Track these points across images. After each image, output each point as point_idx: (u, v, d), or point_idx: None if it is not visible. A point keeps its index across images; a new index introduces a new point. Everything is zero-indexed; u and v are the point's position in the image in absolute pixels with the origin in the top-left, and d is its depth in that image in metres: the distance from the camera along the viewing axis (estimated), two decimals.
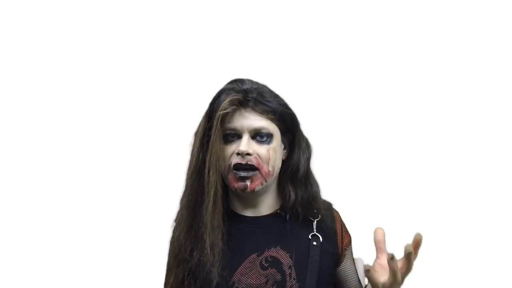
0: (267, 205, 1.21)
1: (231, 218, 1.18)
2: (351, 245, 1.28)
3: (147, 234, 1.79)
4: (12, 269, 1.92)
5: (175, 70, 2.00)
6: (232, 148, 1.13)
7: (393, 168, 1.94)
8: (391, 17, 2.00)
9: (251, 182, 1.13)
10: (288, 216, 1.20)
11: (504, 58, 1.96)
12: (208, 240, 1.10)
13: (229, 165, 1.13)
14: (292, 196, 1.19)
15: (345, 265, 1.25)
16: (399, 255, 1.00)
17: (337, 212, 1.29)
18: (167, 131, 1.90)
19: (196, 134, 1.17)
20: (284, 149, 1.21)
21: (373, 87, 1.99)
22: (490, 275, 1.87)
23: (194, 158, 1.14)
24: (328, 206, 1.28)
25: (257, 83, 1.18)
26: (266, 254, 1.15)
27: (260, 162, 1.13)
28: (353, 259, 1.29)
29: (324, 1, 2.02)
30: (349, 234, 1.28)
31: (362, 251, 1.29)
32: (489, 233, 1.90)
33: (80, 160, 1.98)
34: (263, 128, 1.13)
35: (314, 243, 1.17)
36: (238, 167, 1.12)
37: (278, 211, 1.21)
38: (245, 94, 1.13)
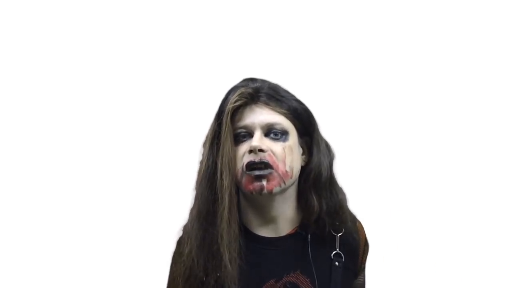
0: (286, 220, 1.09)
1: (245, 236, 1.06)
2: None
3: (151, 240, 1.79)
4: (12, 269, 1.91)
5: (184, 75, 1.95)
6: (244, 147, 1.03)
7: (397, 168, 1.91)
8: (398, 16, 1.97)
9: (267, 181, 1.02)
10: (309, 235, 1.09)
11: (504, 58, 1.95)
12: (226, 254, 1.00)
13: (242, 167, 1.03)
14: (316, 206, 1.06)
15: (359, 277, 1.19)
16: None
17: (360, 223, 1.18)
18: (172, 137, 1.87)
19: (205, 140, 1.09)
20: (303, 154, 1.10)
21: (378, 88, 1.95)
22: (492, 276, 1.85)
23: (204, 163, 1.05)
24: (353, 218, 1.16)
25: (269, 81, 1.11)
26: (284, 279, 1.06)
27: (275, 160, 1.02)
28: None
29: (332, 1, 1.99)
30: (369, 245, 1.19)
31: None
32: (495, 234, 1.87)
33: (87, 166, 1.95)
34: (276, 124, 1.04)
35: (336, 263, 1.08)
36: (252, 165, 1.02)
37: (298, 229, 1.10)
38: (256, 90, 1.05)
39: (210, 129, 1.08)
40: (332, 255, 1.09)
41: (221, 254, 1.00)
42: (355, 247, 1.13)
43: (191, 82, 1.95)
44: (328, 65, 1.95)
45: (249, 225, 1.09)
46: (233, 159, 1.03)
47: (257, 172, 1.01)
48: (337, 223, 1.10)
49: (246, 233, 1.07)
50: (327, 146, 1.14)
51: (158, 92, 1.97)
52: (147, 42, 1.98)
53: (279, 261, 1.07)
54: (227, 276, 1.00)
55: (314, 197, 1.07)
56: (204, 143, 1.09)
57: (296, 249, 1.08)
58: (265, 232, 1.09)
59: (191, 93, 1.92)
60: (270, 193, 1.03)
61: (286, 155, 1.03)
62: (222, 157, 1.02)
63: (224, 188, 1.01)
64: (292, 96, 1.10)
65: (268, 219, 1.08)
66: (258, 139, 1.01)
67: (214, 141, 1.04)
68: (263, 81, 1.09)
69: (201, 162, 1.07)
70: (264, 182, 1.02)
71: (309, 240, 1.08)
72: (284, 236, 1.09)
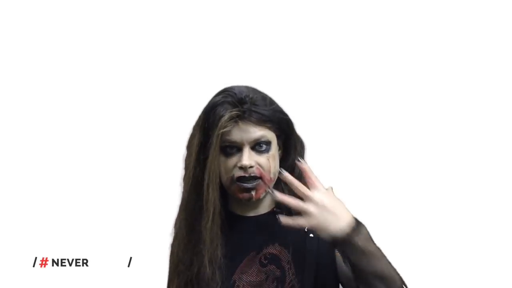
0: (265, 205, 1.22)
1: (229, 219, 1.20)
2: None
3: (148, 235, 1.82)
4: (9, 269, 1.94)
5: (168, 73, 1.97)
6: (233, 161, 1.14)
7: (386, 166, 1.94)
8: (380, 17, 1.98)
9: (256, 191, 1.15)
10: (284, 213, 1.18)
11: (504, 58, 1.94)
12: (206, 255, 1.13)
13: (232, 177, 1.14)
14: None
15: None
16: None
17: None
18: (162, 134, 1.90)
19: (189, 147, 1.18)
20: (279, 150, 1.21)
21: (366, 87, 1.97)
22: (488, 275, 1.89)
23: (191, 174, 1.15)
24: None
25: (247, 88, 1.17)
26: (264, 251, 1.18)
27: (262, 171, 1.14)
28: None
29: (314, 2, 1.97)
30: None
31: None
32: (488, 233, 1.90)
33: (78, 165, 1.98)
34: (262, 137, 1.13)
35: (311, 234, 1.17)
36: (242, 179, 1.14)
37: (274, 208, 1.23)
38: (241, 106, 1.12)
39: (194, 138, 1.16)
40: (306, 228, 1.15)
41: (203, 255, 1.14)
42: None
43: (184, 81, 1.95)
44: (317, 65, 1.96)
45: (234, 210, 1.23)
46: (222, 172, 1.14)
47: (246, 185, 1.14)
48: None
49: (231, 217, 1.21)
50: (302, 145, 1.24)
51: (146, 92, 1.99)
52: (133, 44, 1.98)
53: (259, 236, 1.20)
54: (207, 274, 1.13)
55: (283, 186, 1.18)
56: (189, 151, 1.17)
57: (274, 224, 1.15)
58: (247, 214, 1.22)
59: (179, 93, 1.93)
60: (258, 200, 1.18)
61: (271, 164, 1.15)
62: (210, 173, 1.12)
63: (210, 202, 1.13)
64: (273, 106, 1.17)
65: (250, 208, 1.22)
66: (247, 158, 1.12)
67: (200, 153, 1.14)
68: (241, 90, 1.16)
69: (188, 170, 1.17)
70: (253, 193, 1.15)
71: (284, 214, 1.17)
72: (263, 214, 1.22)
